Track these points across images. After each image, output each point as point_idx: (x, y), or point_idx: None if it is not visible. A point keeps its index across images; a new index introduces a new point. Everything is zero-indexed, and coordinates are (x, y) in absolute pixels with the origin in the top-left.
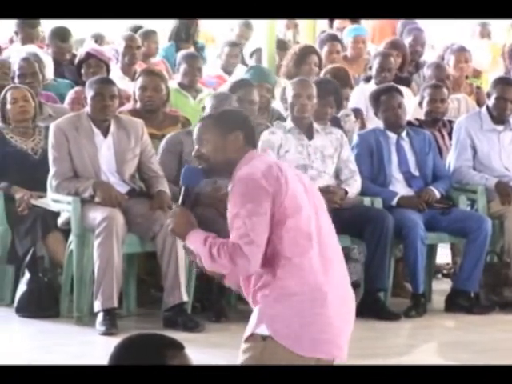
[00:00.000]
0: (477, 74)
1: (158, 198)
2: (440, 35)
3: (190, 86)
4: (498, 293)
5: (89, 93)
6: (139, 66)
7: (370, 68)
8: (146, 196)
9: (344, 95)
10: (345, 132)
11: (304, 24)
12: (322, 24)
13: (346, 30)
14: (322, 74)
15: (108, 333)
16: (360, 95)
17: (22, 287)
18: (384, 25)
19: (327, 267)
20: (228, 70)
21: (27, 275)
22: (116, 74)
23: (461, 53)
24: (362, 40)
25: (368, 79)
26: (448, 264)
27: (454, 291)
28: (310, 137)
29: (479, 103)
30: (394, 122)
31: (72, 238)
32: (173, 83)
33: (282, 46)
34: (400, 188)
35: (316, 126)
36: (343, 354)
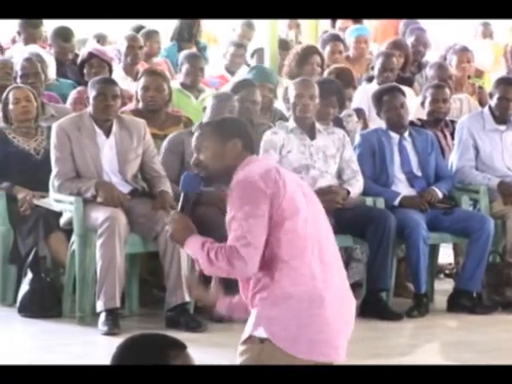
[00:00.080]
0: (479, 74)
1: (160, 198)
2: (442, 35)
3: (192, 86)
4: (500, 293)
5: (91, 93)
6: (141, 66)
7: (373, 68)
8: (148, 196)
9: (347, 95)
10: (347, 132)
11: (306, 24)
12: (324, 24)
13: (348, 29)
14: (325, 74)
15: (110, 333)
16: (362, 95)
17: (25, 287)
18: (386, 25)
19: (325, 271)
20: (232, 70)
21: (29, 275)
22: (118, 74)
23: (463, 53)
24: (365, 40)
25: (370, 79)
26: (450, 264)
27: (457, 291)
28: (313, 137)
29: (481, 103)
30: (396, 122)
31: (74, 238)
32: (175, 83)
33: (284, 45)
34: (402, 188)
35: (318, 126)
36: (341, 357)
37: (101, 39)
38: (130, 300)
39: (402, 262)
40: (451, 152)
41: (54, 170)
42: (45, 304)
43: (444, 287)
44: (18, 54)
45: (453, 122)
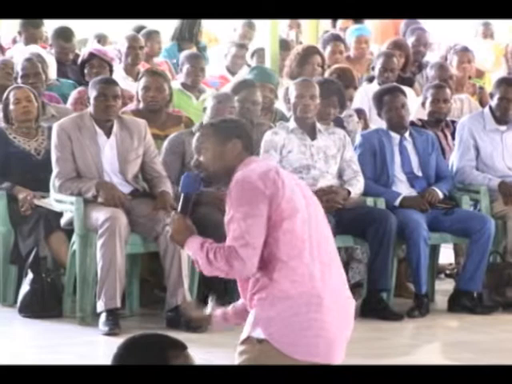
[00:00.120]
0: (480, 74)
1: (160, 199)
2: (443, 35)
3: (192, 86)
4: (500, 293)
5: (92, 93)
6: (142, 67)
7: (373, 68)
8: (148, 196)
9: (348, 96)
10: (348, 132)
11: (307, 24)
12: (324, 24)
13: (348, 30)
14: (327, 74)
15: (111, 333)
16: (363, 95)
17: (25, 287)
18: (387, 25)
19: (324, 271)
20: (233, 70)
21: (30, 275)
22: (119, 74)
23: (464, 53)
24: (365, 40)
25: (371, 79)
26: (451, 264)
27: (457, 291)
28: (313, 137)
29: (482, 103)
30: (397, 123)
31: (75, 238)
32: (176, 83)
33: (284, 46)
34: (403, 188)
35: (319, 126)
36: (339, 358)
37: (101, 39)
38: (131, 300)
39: (402, 262)
40: (452, 152)
41: (55, 170)
42: (45, 304)
43: (445, 287)
44: (19, 54)
45: (453, 122)
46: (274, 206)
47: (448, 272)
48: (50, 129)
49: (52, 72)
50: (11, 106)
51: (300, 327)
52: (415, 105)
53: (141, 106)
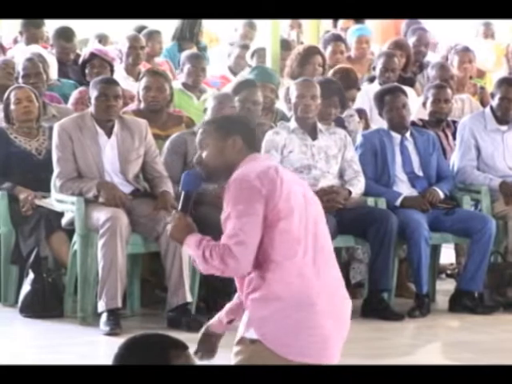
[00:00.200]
0: (481, 74)
1: (161, 199)
2: (444, 35)
3: (193, 86)
4: (501, 293)
5: (93, 93)
6: (143, 67)
7: (374, 68)
8: (149, 196)
9: (351, 96)
10: (349, 132)
11: (308, 24)
12: (325, 24)
13: (349, 30)
14: (329, 74)
15: (112, 333)
16: (364, 95)
17: (26, 287)
18: (388, 25)
19: (320, 272)
20: (235, 71)
21: (31, 275)
22: (120, 74)
23: (465, 53)
24: (366, 40)
25: (372, 79)
26: (452, 264)
27: (458, 291)
28: (314, 137)
29: (483, 103)
30: (398, 123)
31: (76, 238)
32: (177, 83)
33: (285, 46)
34: (404, 188)
35: (320, 126)
36: (333, 359)
37: (102, 39)
38: (132, 300)
39: (403, 262)
40: (453, 152)
41: (56, 170)
42: (46, 304)
43: (446, 287)
44: (20, 54)
45: (454, 122)
46: (271, 206)
47: (449, 272)
48: (50, 129)
49: (53, 72)
50: (12, 106)
51: (293, 328)
52: (416, 105)
53: (142, 105)
